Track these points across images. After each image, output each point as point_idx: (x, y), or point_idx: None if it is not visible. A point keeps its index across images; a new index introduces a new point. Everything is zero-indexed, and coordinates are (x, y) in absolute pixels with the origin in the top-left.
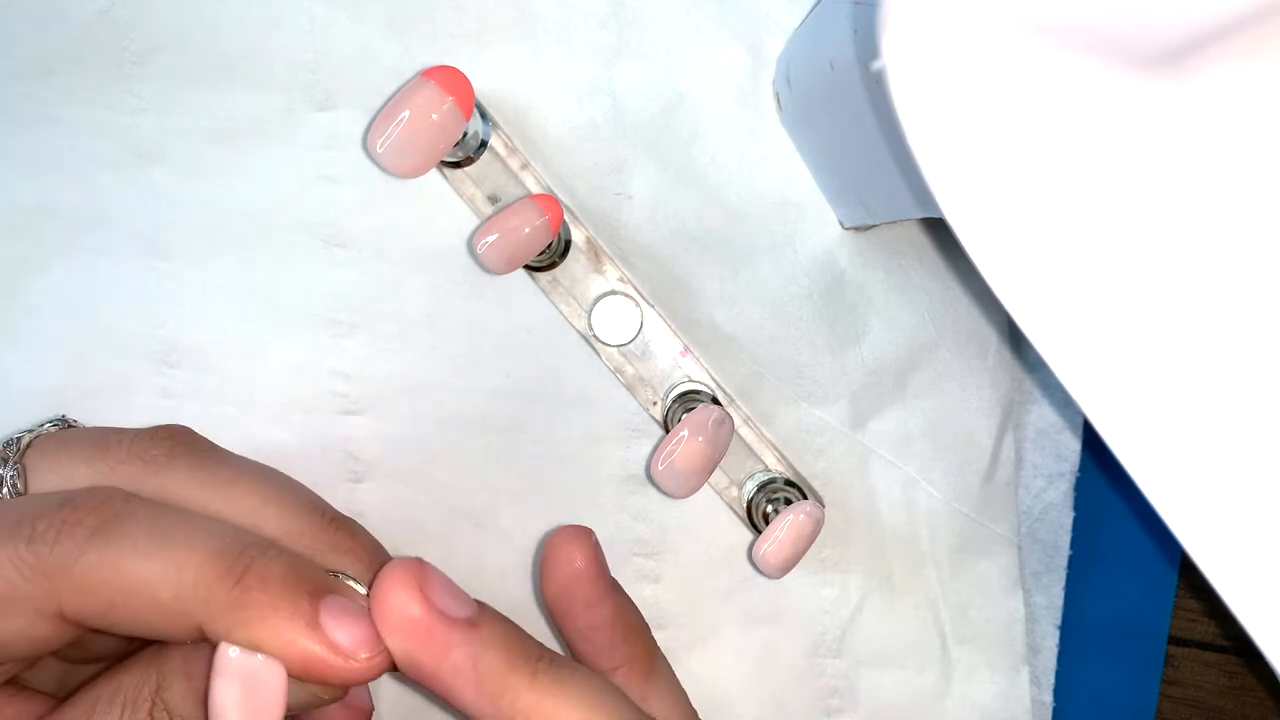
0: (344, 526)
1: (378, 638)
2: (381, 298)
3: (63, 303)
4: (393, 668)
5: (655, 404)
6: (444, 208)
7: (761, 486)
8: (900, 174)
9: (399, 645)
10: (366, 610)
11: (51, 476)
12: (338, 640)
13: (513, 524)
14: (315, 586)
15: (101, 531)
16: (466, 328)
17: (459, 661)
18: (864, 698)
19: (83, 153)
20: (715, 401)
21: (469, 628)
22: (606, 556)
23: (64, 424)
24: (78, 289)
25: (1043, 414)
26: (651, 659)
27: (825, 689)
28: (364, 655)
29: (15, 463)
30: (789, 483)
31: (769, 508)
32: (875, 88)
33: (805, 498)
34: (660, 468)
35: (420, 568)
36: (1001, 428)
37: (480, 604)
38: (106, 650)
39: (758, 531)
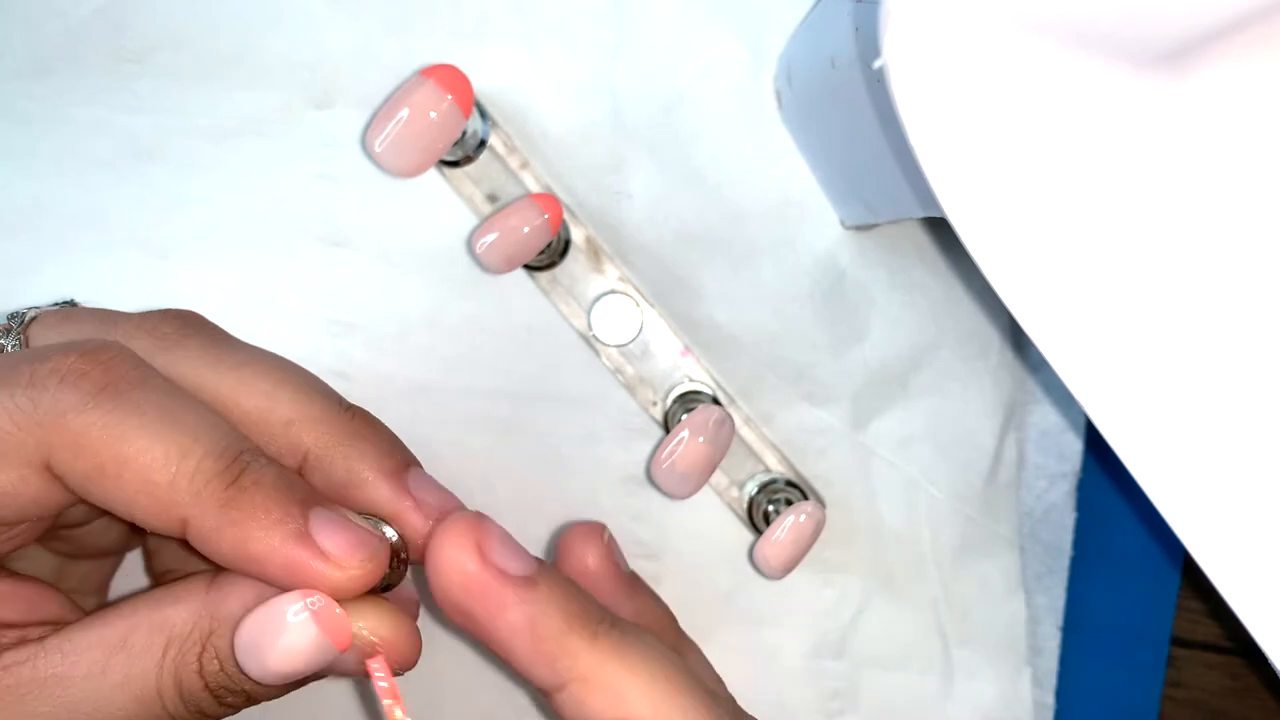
0: (360, 414)
1: (366, 548)
2: (380, 297)
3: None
4: (388, 588)
5: (655, 404)
6: (443, 207)
7: (762, 487)
8: (902, 172)
9: (455, 600)
10: (356, 523)
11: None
12: (326, 549)
13: (512, 524)
14: (305, 496)
15: (109, 391)
16: (466, 327)
17: (515, 621)
18: (865, 699)
19: (80, 152)
20: (716, 402)
21: (527, 586)
22: None
23: (70, 305)
24: (75, 288)
25: (1045, 414)
26: (682, 650)
27: (827, 690)
28: (352, 565)
29: (18, 334)
30: (790, 483)
31: (770, 508)
32: (877, 86)
33: (806, 498)
34: (660, 468)
35: (479, 522)
36: (1004, 428)
37: (540, 562)
38: (99, 547)
39: (758, 532)
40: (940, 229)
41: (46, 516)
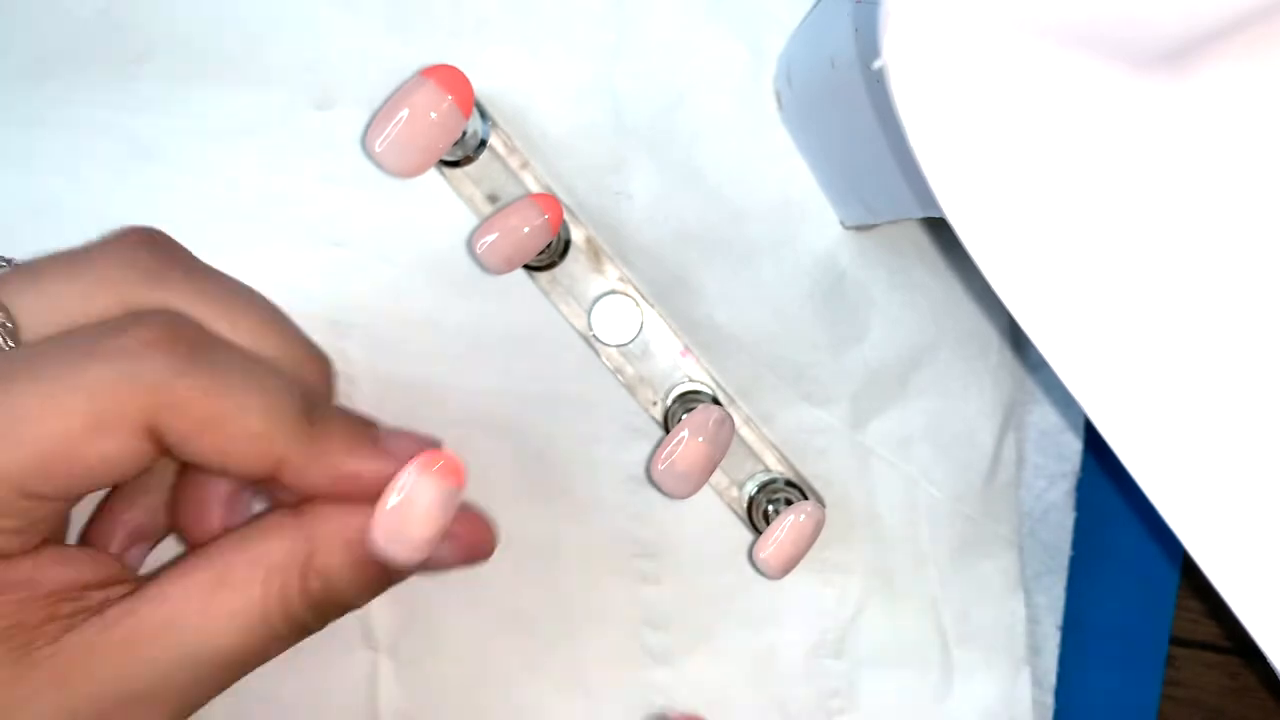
0: (324, 358)
1: (425, 450)
2: (381, 297)
3: None
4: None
5: (655, 404)
6: (443, 207)
7: (762, 487)
8: (901, 173)
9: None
10: (412, 433)
11: (43, 305)
12: (400, 455)
13: (512, 524)
14: (364, 420)
15: (196, 354)
16: (466, 327)
17: None
18: (865, 698)
19: (82, 152)
20: (715, 402)
21: None
22: (607, 557)
23: (7, 262)
24: None
25: (1044, 414)
26: None
27: (826, 690)
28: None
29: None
30: (790, 483)
31: (770, 508)
32: (876, 86)
33: (806, 498)
34: (660, 468)
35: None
36: (1003, 428)
37: None
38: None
39: (758, 532)
40: (940, 229)
41: (124, 479)
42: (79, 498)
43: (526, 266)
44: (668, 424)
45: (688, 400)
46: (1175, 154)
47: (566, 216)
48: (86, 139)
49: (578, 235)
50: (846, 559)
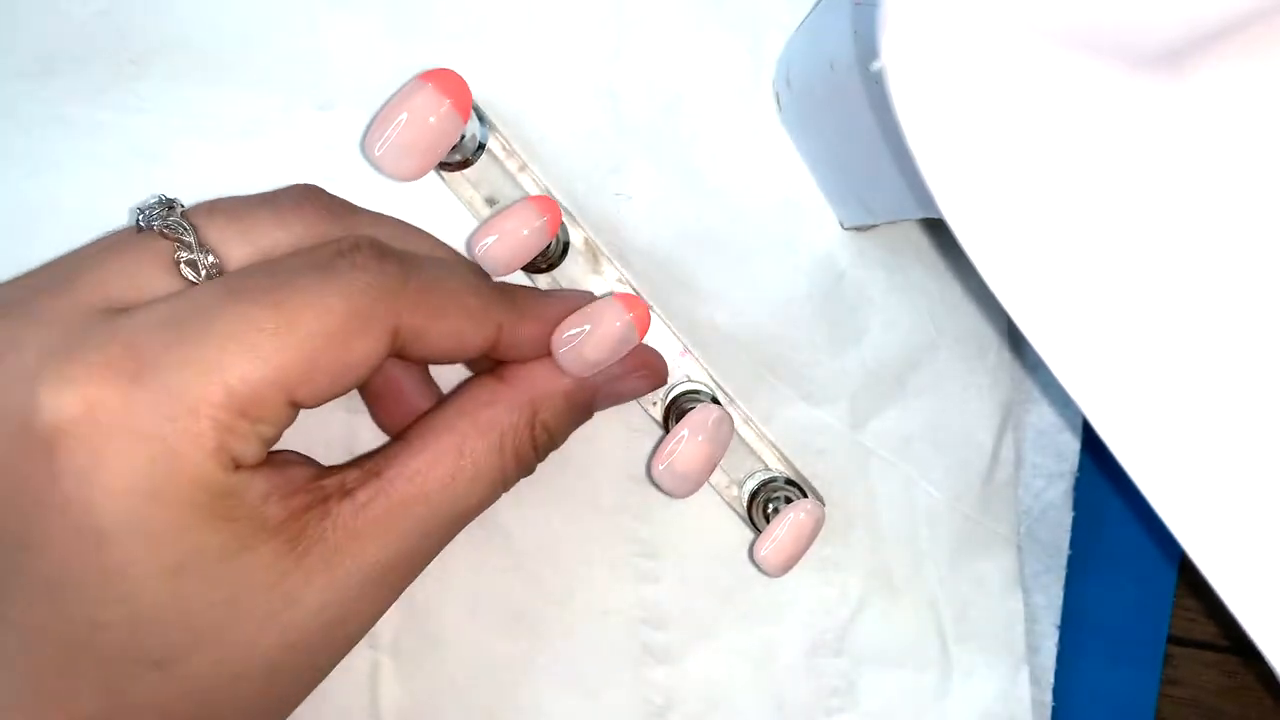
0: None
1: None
2: None
3: None
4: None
5: (655, 404)
6: (443, 208)
7: (762, 486)
8: (900, 174)
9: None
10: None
11: (247, 243)
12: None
13: (512, 524)
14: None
15: (410, 261)
16: None
17: None
18: (864, 697)
19: (83, 153)
20: (715, 401)
21: None
22: (607, 557)
23: (166, 200)
24: None
25: (1042, 414)
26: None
27: (825, 688)
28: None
29: (184, 224)
30: (789, 482)
31: (769, 507)
32: (875, 88)
33: (806, 497)
34: (660, 468)
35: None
36: (1001, 427)
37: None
38: None
39: (758, 531)
40: (938, 230)
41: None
42: (320, 403)
43: (525, 269)
44: (667, 424)
45: (686, 400)
46: (1174, 155)
47: (565, 218)
48: (86, 139)
49: (576, 237)
50: (845, 558)
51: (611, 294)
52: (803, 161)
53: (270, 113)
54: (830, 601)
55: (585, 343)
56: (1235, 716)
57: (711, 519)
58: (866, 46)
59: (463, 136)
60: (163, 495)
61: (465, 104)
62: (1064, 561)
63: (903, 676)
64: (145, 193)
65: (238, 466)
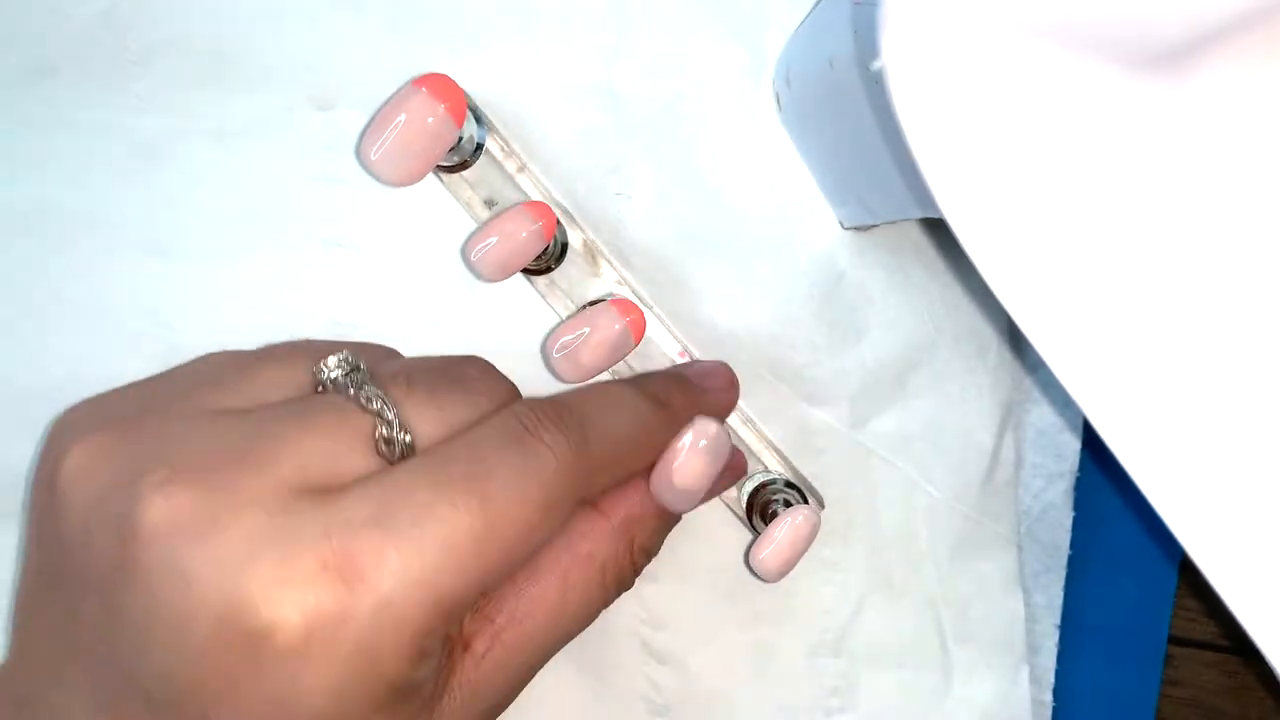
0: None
1: (723, 373)
2: (381, 298)
3: (64, 303)
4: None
5: None
6: (443, 209)
7: (761, 487)
8: (900, 174)
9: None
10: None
11: (439, 422)
12: (714, 383)
13: None
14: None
15: (585, 416)
16: (465, 329)
17: None
18: (864, 698)
19: (84, 153)
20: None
21: None
22: None
23: (351, 361)
24: (79, 289)
25: (1043, 414)
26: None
27: (825, 689)
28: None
29: (377, 397)
30: (789, 484)
31: (768, 510)
32: (875, 87)
33: (805, 499)
34: (663, 482)
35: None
36: (1001, 427)
37: None
38: None
39: (757, 532)
40: (939, 230)
41: None
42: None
43: (523, 270)
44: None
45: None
46: (1174, 155)
47: (564, 220)
48: (87, 139)
49: (574, 239)
50: (845, 558)
51: (609, 297)
52: (803, 161)
53: (270, 113)
54: (830, 602)
55: (581, 348)
56: (1236, 717)
57: (711, 520)
58: (867, 45)
59: (460, 138)
60: (357, 695)
61: (460, 108)
62: (1064, 561)
63: (903, 677)
64: (145, 193)
65: (424, 656)
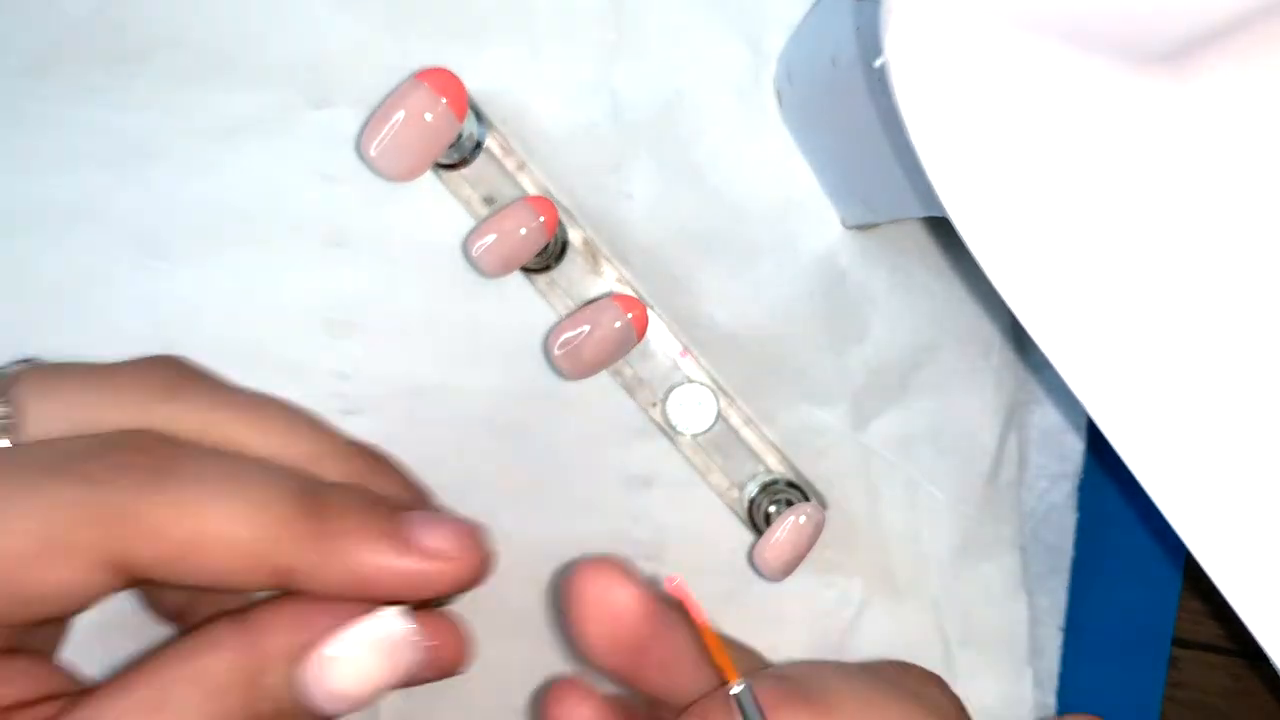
0: (367, 452)
1: (468, 534)
2: (380, 297)
3: (60, 301)
4: (481, 575)
5: (655, 405)
6: (442, 207)
7: (763, 488)
8: (903, 171)
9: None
10: (445, 517)
11: (51, 409)
12: (433, 546)
13: (512, 525)
14: (390, 507)
15: (166, 472)
16: (465, 327)
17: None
18: None
19: (80, 151)
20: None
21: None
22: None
23: (28, 362)
24: (75, 288)
25: (1046, 415)
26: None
27: None
28: (462, 553)
29: (3, 400)
30: (790, 484)
31: (770, 509)
32: (878, 84)
33: (807, 499)
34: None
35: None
36: (1005, 428)
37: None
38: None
39: (759, 533)
40: (941, 228)
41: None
42: (26, 626)
43: (524, 269)
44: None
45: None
46: (1177, 153)
47: (564, 218)
48: (85, 138)
49: (575, 237)
50: (848, 560)
51: (611, 294)
52: (804, 159)
53: (268, 111)
54: (832, 603)
55: (584, 344)
56: (1240, 719)
57: (712, 521)
58: (869, 43)
59: (460, 136)
60: None
61: (461, 103)
62: (1068, 563)
63: None
64: (142, 191)
65: None
